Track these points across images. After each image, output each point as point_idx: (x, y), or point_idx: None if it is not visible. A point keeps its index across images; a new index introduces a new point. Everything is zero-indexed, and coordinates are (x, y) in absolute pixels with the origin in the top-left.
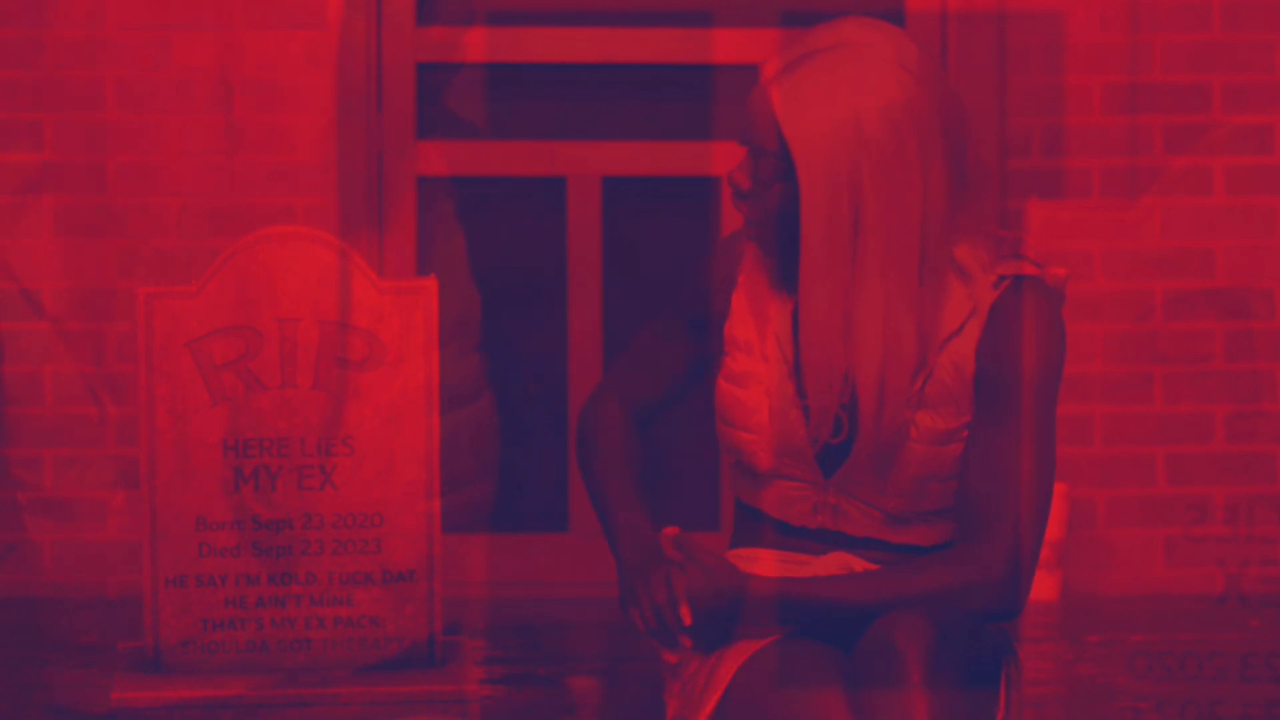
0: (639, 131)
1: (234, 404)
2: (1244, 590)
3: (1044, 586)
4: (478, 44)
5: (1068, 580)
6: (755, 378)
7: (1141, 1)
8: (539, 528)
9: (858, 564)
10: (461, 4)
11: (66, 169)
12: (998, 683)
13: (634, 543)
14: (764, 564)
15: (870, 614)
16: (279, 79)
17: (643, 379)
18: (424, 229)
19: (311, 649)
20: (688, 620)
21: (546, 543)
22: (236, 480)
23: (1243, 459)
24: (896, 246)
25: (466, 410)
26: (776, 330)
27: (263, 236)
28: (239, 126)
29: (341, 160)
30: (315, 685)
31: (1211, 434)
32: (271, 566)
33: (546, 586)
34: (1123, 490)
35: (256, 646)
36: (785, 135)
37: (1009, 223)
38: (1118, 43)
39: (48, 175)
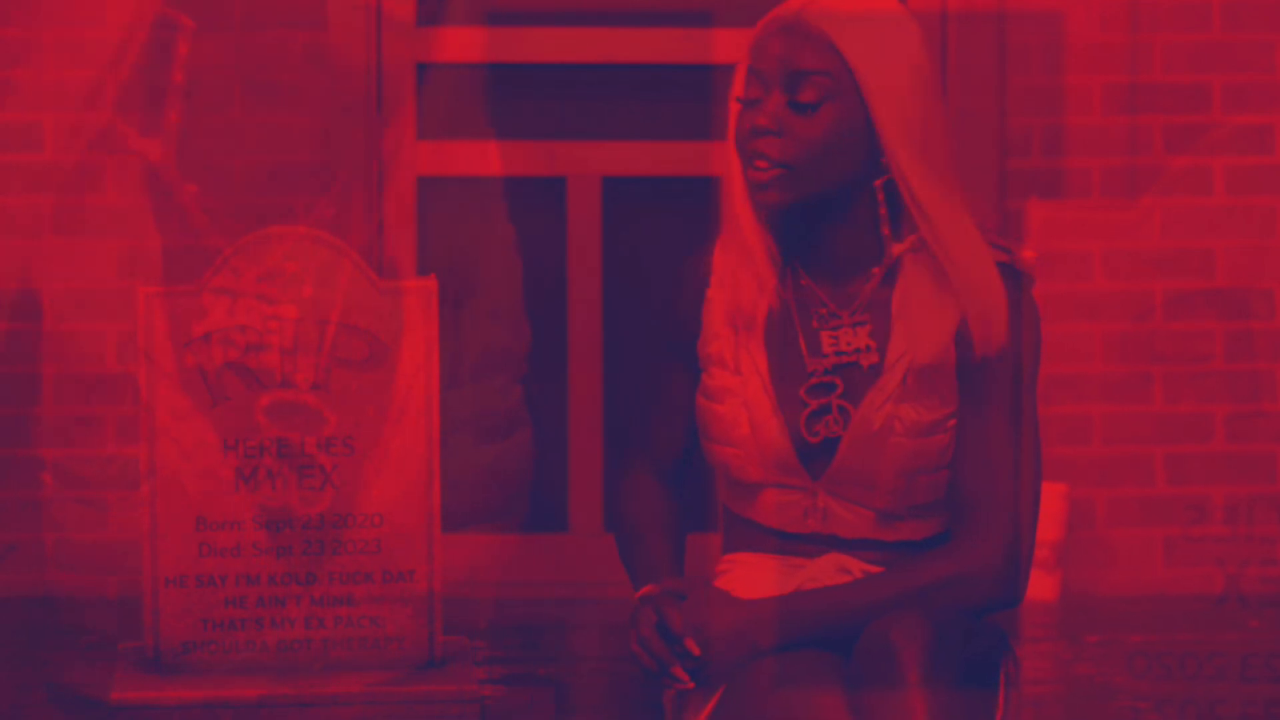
0: (639, 131)
1: (234, 404)
2: (1243, 590)
3: (1044, 586)
4: (478, 44)
5: (1067, 580)
6: (731, 391)
7: (1141, 1)
8: (539, 528)
9: (854, 564)
10: (461, 4)
11: (67, 169)
12: (996, 682)
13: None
14: (761, 569)
15: (873, 617)
16: (279, 79)
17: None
18: (424, 229)
19: (311, 649)
20: (696, 651)
21: (546, 543)
22: (236, 480)
23: (1242, 459)
24: (953, 183)
25: (507, 441)
26: (749, 340)
27: (263, 236)
28: (239, 126)
29: (341, 160)
30: (315, 685)
31: (1211, 434)
32: (271, 567)
33: (546, 586)
34: (1122, 490)
35: (256, 646)
36: (840, 48)
37: (1009, 223)
38: (1118, 43)
39: (48, 175)
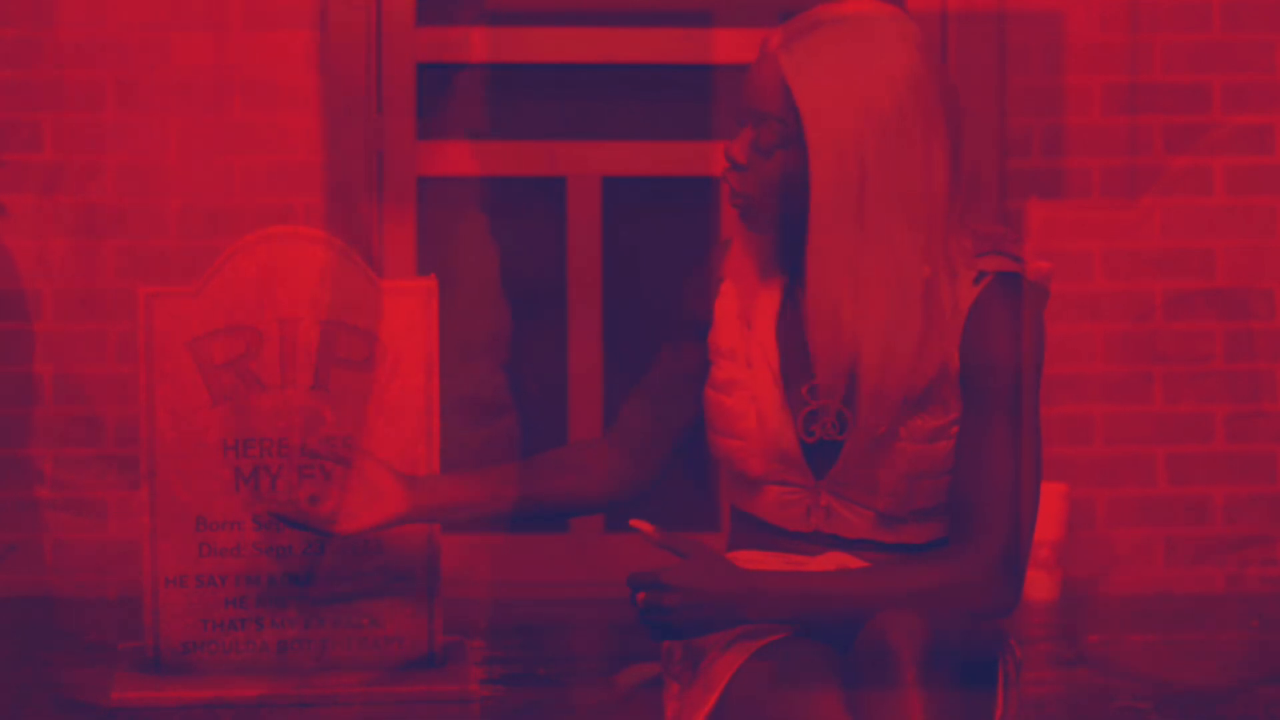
0: (639, 131)
1: (234, 404)
2: (1244, 590)
3: (1044, 586)
4: (478, 44)
5: (1068, 580)
6: (740, 384)
7: (1141, 1)
8: (539, 528)
9: (854, 563)
10: (461, 4)
11: (67, 169)
12: (995, 682)
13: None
14: (763, 565)
15: (862, 612)
16: (279, 79)
17: (643, 408)
18: (424, 229)
19: (311, 649)
20: (638, 602)
21: (546, 543)
22: (236, 480)
23: (1243, 459)
24: (898, 221)
25: (494, 427)
26: (760, 335)
27: (263, 236)
28: (239, 126)
29: (341, 160)
30: (315, 685)
31: (1211, 434)
32: (271, 567)
33: (546, 586)
34: (1123, 490)
35: (256, 647)
36: (794, 95)
37: (1009, 223)
38: (1118, 43)
39: (48, 175)
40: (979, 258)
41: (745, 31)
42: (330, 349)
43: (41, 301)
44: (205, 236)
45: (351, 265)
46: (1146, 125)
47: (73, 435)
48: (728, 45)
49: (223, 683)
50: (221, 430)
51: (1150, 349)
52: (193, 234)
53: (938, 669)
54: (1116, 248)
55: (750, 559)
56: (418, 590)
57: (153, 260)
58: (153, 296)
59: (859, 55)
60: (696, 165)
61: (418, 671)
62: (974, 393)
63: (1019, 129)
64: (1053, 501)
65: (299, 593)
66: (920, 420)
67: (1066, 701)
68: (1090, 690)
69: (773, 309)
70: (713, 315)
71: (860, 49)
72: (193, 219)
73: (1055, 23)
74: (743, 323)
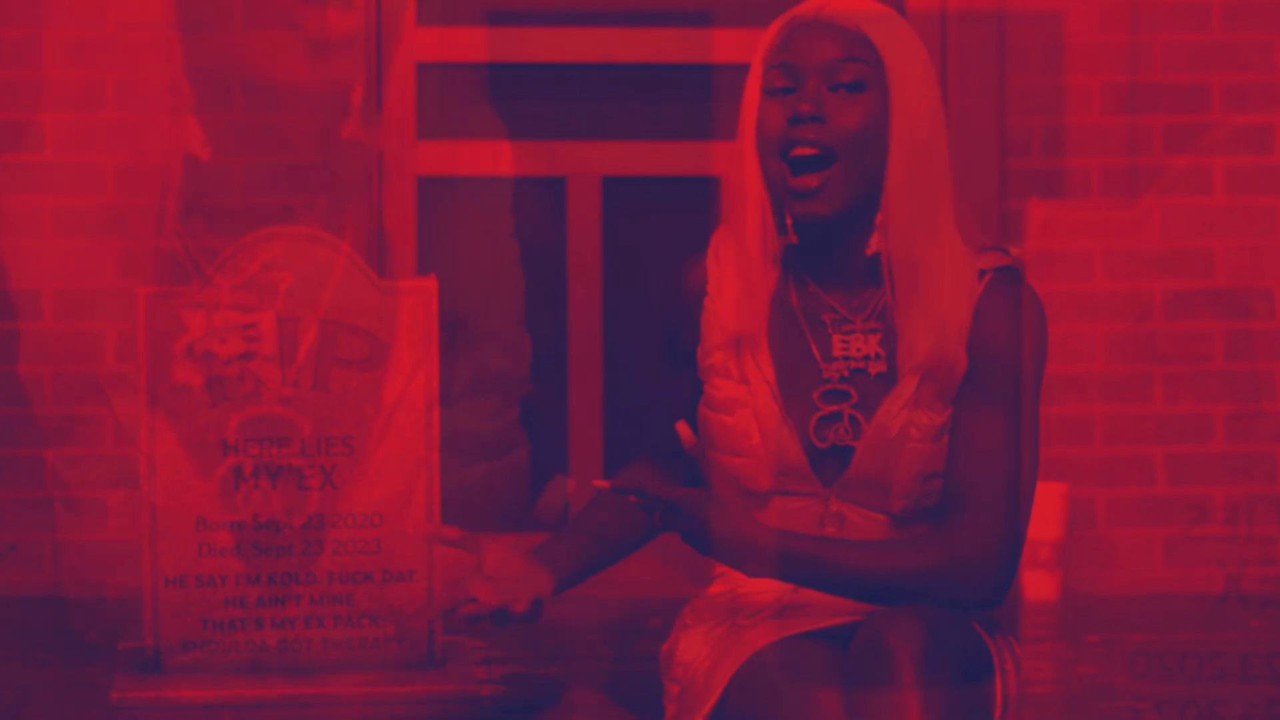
0: (639, 131)
1: (234, 404)
2: (1244, 590)
3: (1044, 586)
4: (478, 44)
5: (1068, 580)
6: (739, 402)
7: (1141, 1)
8: (539, 528)
9: None
10: (461, 4)
11: (67, 169)
12: (994, 682)
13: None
14: None
15: (855, 584)
16: (279, 79)
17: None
18: (424, 229)
19: (311, 649)
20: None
21: None
22: (236, 480)
23: (1243, 459)
24: (950, 196)
25: (502, 461)
26: (753, 347)
27: (263, 236)
28: (239, 126)
29: (341, 160)
30: (315, 685)
31: (1211, 434)
32: (271, 567)
33: None
34: (1123, 490)
35: (256, 646)
36: (871, 38)
37: (1009, 223)
38: (1118, 43)
39: (48, 175)
40: (979, 255)
41: (745, 31)
42: (330, 349)
43: (41, 301)
44: (205, 236)
45: (351, 265)
46: (1146, 125)
47: (73, 435)
48: (728, 45)
49: (223, 683)
50: (221, 430)
51: (1150, 349)
52: (193, 234)
53: (936, 669)
54: (1116, 248)
55: None
56: (418, 590)
57: (153, 260)
58: (153, 296)
59: (908, 27)
60: (696, 165)
61: (418, 671)
62: (979, 384)
63: (1019, 129)
64: (1053, 501)
65: (299, 593)
66: (929, 419)
67: (1066, 701)
68: (1091, 690)
69: (764, 321)
70: (699, 334)
71: (906, 24)
72: (193, 219)
73: (1055, 23)
74: (732, 339)
